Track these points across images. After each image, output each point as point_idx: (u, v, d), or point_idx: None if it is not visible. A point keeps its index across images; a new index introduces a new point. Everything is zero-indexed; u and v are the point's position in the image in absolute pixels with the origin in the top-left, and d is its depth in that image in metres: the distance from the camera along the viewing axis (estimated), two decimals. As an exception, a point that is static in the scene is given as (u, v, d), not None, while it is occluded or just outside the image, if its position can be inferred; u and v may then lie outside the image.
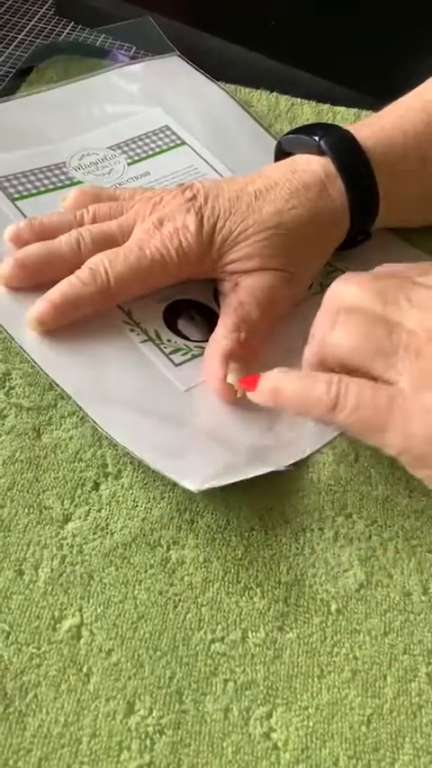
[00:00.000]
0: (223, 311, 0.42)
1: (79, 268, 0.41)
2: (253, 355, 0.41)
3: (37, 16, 0.68)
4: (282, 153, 0.48)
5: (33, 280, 0.42)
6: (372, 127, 0.46)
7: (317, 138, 0.45)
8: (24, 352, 0.40)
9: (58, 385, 0.38)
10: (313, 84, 0.63)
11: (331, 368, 0.35)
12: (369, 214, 0.45)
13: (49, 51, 0.61)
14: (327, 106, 0.60)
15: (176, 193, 0.43)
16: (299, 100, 0.61)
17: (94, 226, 0.43)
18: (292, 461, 0.38)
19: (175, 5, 0.72)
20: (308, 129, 0.46)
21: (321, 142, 0.44)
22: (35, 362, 0.39)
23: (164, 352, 0.41)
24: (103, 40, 0.65)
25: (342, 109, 0.60)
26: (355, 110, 0.60)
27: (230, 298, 0.42)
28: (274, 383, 0.35)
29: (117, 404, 0.38)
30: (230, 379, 0.39)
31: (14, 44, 0.64)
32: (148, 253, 0.41)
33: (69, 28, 0.68)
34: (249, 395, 0.37)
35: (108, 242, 0.42)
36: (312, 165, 0.44)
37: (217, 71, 0.60)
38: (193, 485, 0.35)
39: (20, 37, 0.65)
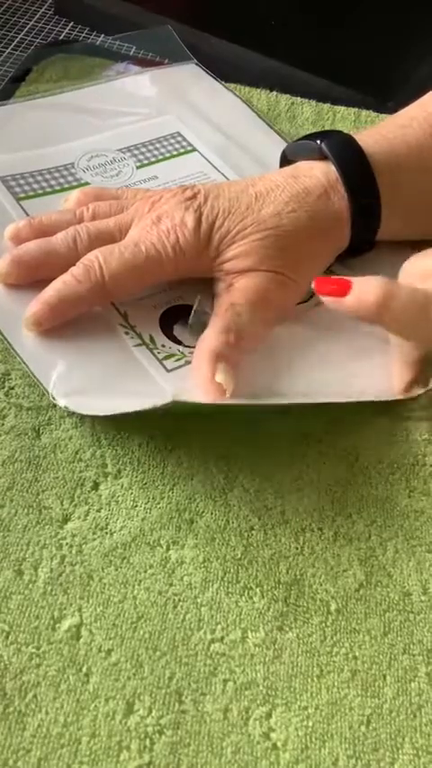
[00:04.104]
0: (215, 312, 0.42)
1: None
2: (243, 357, 0.40)
3: (37, 16, 0.69)
4: (285, 161, 0.48)
5: (30, 277, 0.42)
6: (374, 136, 0.46)
7: (318, 142, 0.45)
8: (15, 352, 0.39)
9: (40, 382, 0.38)
10: (313, 83, 0.63)
11: None
12: (370, 220, 0.45)
13: (49, 51, 0.61)
14: (327, 106, 0.60)
15: (176, 192, 0.43)
16: (299, 99, 0.61)
17: (92, 223, 0.43)
18: (282, 399, 0.38)
19: (175, 5, 0.73)
20: (310, 136, 0.46)
21: (323, 145, 0.44)
22: (24, 362, 0.39)
23: (156, 358, 0.41)
24: (102, 41, 0.65)
25: (342, 108, 0.60)
26: (355, 110, 0.60)
27: (223, 298, 0.42)
28: (385, 296, 0.34)
29: (100, 394, 0.38)
30: (219, 378, 0.38)
31: (14, 44, 0.64)
32: (143, 248, 0.41)
33: (69, 28, 0.68)
34: (330, 302, 0.35)
35: (105, 239, 0.42)
36: (314, 172, 0.44)
37: (217, 71, 0.61)
38: (167, 398, 0.36)
39: (20, 37, 0.65)
